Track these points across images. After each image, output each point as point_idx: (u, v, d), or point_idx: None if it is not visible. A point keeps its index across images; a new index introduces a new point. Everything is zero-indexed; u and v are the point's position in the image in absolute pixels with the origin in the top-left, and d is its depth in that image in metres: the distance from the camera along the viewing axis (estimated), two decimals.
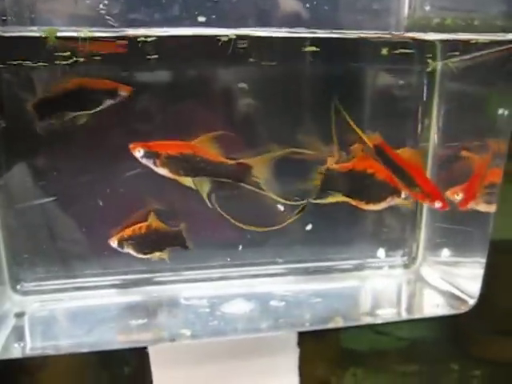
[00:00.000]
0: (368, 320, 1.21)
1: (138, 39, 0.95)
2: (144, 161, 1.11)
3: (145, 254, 1.20)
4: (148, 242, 1.20)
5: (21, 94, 1.11)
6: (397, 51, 1.15)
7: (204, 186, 1.16)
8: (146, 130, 1.18)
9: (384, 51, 1.14)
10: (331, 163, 1.18)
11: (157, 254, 1.20)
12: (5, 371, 1.34)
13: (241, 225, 1.21)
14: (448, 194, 1.22)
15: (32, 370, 1.44)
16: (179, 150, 1.13)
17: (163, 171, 1.13)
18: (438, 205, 1.18)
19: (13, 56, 1.04)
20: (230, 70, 1.20)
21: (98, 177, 1.20)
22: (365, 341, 1.86)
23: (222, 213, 1.20)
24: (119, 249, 1.18)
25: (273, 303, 1.23)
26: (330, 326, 1.16)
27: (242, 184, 1.17)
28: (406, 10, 1.05)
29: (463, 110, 1.26)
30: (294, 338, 1.31)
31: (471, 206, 1.19)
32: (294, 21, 0.97)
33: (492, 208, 1.18)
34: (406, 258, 1.39)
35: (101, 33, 0.89)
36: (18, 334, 1.11)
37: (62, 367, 1.44)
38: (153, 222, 1.20)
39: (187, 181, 1.15)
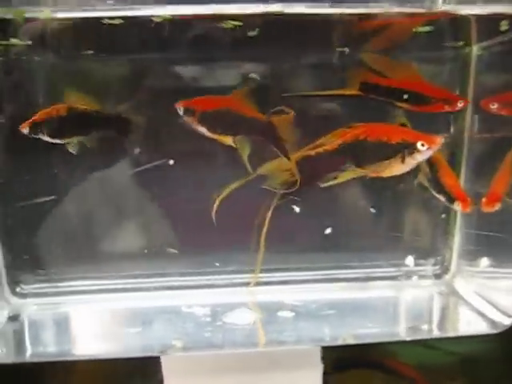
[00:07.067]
0: (389, 338, 1.08)
1: None
2: (186, 119, 1.04)
3: (62, 138, 1.06)
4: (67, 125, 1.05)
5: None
6: None
7: (245, 147, 1.07)
8: None
9: None
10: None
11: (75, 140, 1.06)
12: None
13: None
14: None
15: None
16: (214, 106, 1.05)
17: (202, 129, 1.05)
18: (460, 104, 1.09)
19: None
20: None
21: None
22: (413, 355, 1.72)
23: None
24: (32, 135, 1.03)
25: (281, 314, 1.12)
26: (337, 343, 1.04)
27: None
28: None
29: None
30: (317, 353, 1.20)
31: None
32: None
33: None
34: (437, 267, 1.25)
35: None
36: (8, 338, 1.07)
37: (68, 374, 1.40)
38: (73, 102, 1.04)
39: (227, 140, 1.06)
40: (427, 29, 1.03)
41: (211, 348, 1.03)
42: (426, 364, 1.70)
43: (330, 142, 1.04)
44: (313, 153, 1.05)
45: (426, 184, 1.13)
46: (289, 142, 1.07)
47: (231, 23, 0.93)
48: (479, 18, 1.00)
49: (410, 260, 1.24)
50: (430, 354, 1.70)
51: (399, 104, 1.11)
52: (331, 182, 1.04)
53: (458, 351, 1.69)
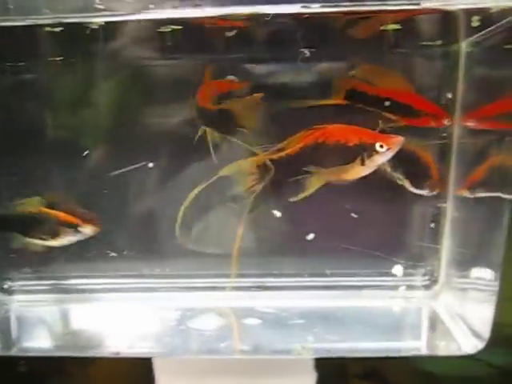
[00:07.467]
0: (348, 353, 1.01)
1: None
2: None
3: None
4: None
5: None
6: None
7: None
8: None
9: None
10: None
11: None
12: None
13: None
14: None
15: None
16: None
17: None
18: (447, 123, 1.07)
19: None
20: None
21: None
22: (449, 365, 1.61)
23: None
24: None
25: (247, 321, 1.09)
26: (289, 356, 0.98)
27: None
28: None
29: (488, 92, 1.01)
30: (309, 362, 1.15)
31: None
32: None
33: None
34: (427, 277, 1.15)
35: None
36: None
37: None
38: None
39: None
40: (396, 26, 0.98)
41: (167, 353, 1.02)
42: (463, 375, 1.59)
43: (291, 145, 1.00)
44: (275, 157, 1.01)
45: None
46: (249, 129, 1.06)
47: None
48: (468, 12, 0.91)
49: (398, 269, 1.16)
50: (469, 365, 1.58)
51: (386, 114, 1.06)
52: (300, 196, 1.00)
53: (500, 364, 1.56)
